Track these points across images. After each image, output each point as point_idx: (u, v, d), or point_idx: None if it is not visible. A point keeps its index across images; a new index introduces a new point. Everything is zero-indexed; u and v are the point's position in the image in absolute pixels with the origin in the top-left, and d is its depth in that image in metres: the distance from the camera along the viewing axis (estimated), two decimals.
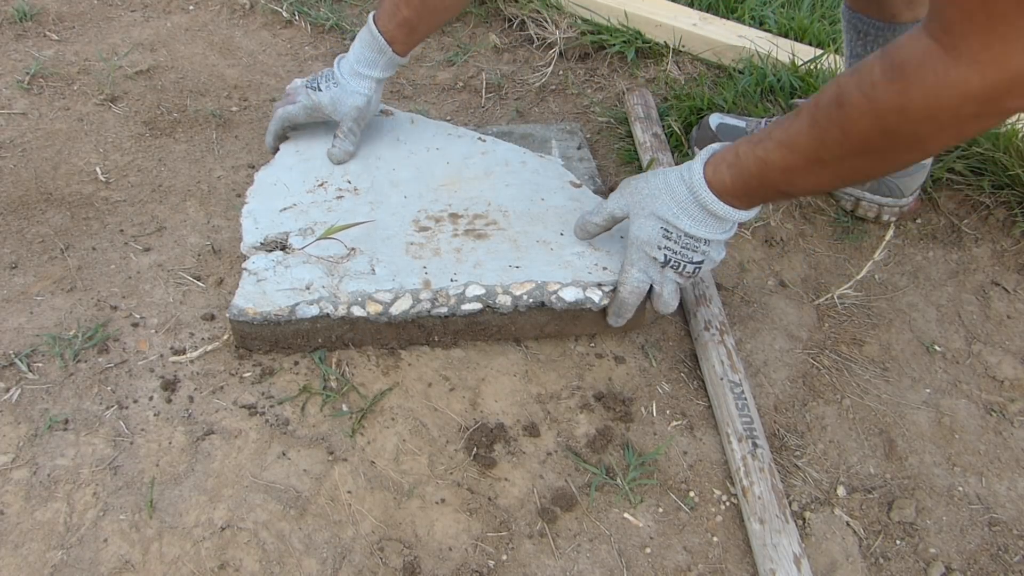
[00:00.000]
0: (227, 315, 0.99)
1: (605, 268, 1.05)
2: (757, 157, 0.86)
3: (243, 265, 1.04)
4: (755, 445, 0.93)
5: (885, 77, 0.72)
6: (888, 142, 0.75)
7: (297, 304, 0.99)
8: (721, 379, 1.00)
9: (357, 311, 0.99)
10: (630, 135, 1.45)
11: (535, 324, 1.05)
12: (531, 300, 1.01)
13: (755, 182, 0.87)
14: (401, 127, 1.29)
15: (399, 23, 1.10)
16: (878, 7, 1.12)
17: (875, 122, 0.74)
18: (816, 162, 0.81)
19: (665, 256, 0.96)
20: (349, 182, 1.18)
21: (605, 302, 1.02)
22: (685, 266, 0.96)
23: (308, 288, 1.00)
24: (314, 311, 0.99)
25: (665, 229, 0.95)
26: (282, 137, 1.25)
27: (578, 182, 1.21)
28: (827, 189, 0.91)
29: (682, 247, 0.95)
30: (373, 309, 1.00)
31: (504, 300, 1.01)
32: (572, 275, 1.03)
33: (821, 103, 0.79)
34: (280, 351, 1.03)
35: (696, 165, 0.92)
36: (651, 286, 1.00)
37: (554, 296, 1.01)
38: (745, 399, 0.97)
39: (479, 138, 1.28)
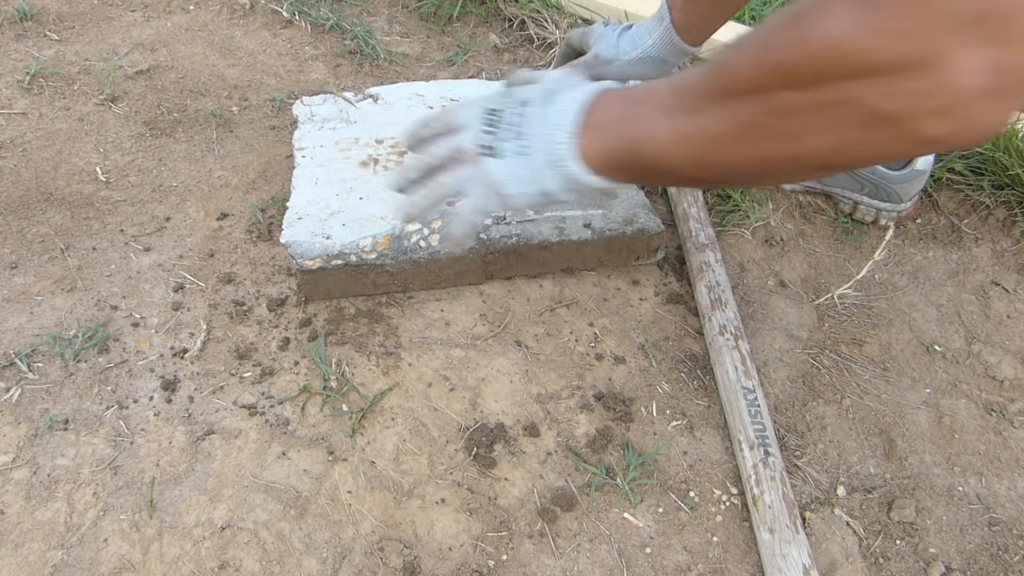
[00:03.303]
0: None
1: None
2: (649, 85, 0.70)
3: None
4: (767, 453, 0.92)
5: (785, 27, 0.56)
6: (766, 125, 0.58)
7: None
8: (735, 385, 0.99)
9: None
10: None
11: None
12: None
13: (627, 110, 0.69)
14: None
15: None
16: None
17: (760, 77, 0.58)
18: (683, 109, 0.65)
19: (497, 107, 0.77)
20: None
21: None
22: (490, 134, 0.75)
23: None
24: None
25: (525, 99, 0.77)
26: None
27: None
28: (668, 162, 0.66)
29: (512, 122, 0.76)
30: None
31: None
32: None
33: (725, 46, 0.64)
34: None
35: (605, 83, 0.76)
36: None
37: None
38: (758, 406, 0.97)
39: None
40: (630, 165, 0.69)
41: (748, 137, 0.61)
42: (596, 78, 1.02)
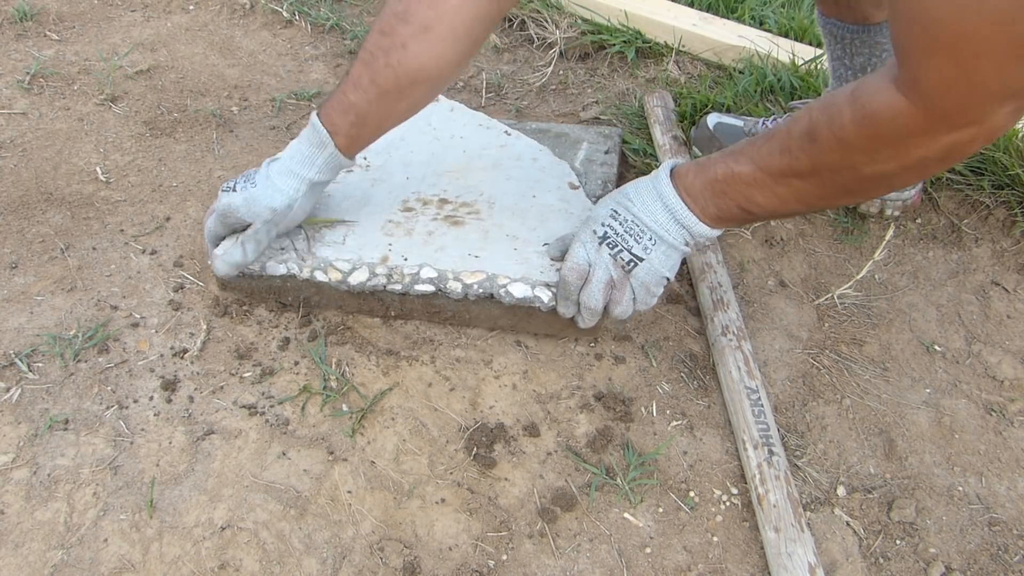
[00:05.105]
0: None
1: (559, 269, 1.03)
2: (727, 166, 0.88)
3: None
4: (771, 452, 0.92)
5: (855, 123, 0.76)
6: (855, 181, 0.81)
7: (267, 261, 1.06)
8: (738, 385, 0.99)
9: (320, 276, 1.05)
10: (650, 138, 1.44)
11: (488, 315, 1.06)
12: (480, 290, 1.03)
13: (718, 187, 0.89)
14: (438, 114, 1.34)
15: (344, 109, 0.96)
16: (848, 10, 1.12)
17: (844, 158, 0.79)
18: (781, 183, 0.85)
19: (604, 232, 0.94)
20: (365, 158, 1.23)
21: (553, 303, 1.02)
22: (621, 252, 0.93)
23: (283, 249, 1.08)
24: (282, 269, 1.06)
25: (614, 210, 0.94)
26: (220, 240, 1.07)
27: (577, 184, 1.21)
28: (781, 213, 0.94)
29: (625, 230, 0.93)
30: (334, 276, 1.05)
31: (455, 286, 1.04)
32: (524, 271, 1.04)
33: (793, 133, 0.82)
34: (256, 302, 1.10)
35: (665, 164, 0.94)
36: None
37: (503, 290, 1.03)
38: (762, 405, 0.97)
39: (505, 131, 1.31)
40: (742, 219, 0.92)
41: (841, 192, 0.85)
42: (282, 231, 1.06)
